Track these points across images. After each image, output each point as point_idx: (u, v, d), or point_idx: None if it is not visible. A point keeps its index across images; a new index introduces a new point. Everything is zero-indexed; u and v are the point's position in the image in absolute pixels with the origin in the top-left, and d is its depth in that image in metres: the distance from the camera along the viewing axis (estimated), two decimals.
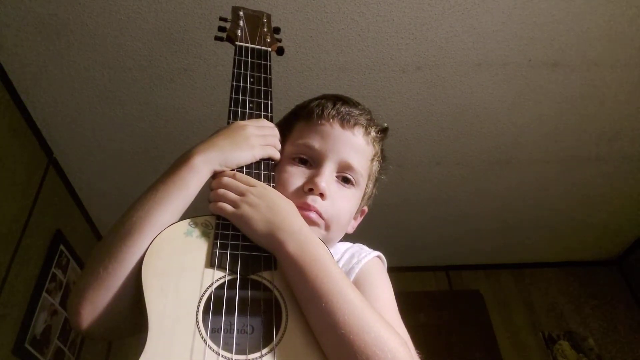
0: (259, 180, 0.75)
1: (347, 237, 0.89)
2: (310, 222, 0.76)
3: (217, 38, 0.96)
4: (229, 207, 0.69)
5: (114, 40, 1.77)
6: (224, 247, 0.66)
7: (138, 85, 1.93)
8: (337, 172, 0.82)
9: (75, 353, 2.37)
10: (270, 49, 0.94)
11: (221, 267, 0.64)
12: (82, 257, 2.45)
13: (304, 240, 0.67)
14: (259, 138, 0.78)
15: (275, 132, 0.82)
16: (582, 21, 1.81)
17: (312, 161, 0.82)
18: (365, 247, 0.87)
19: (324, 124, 0.83)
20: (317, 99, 0.89)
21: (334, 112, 0.84)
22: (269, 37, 0.96)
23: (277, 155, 0.81)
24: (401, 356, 0.59)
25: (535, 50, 1.90)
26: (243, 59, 0.90)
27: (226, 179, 0.73)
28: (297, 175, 0.80)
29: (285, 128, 0.88)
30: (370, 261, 0.81)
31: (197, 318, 0.59)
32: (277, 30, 1.00)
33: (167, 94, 1.97)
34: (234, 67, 0.88)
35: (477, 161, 2.38)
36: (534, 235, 2.92)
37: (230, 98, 0.84)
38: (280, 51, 0.99)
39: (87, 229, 2.58)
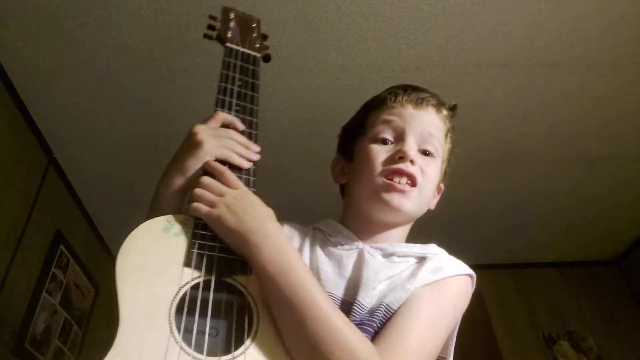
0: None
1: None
2: (400, 191, 0.81)
3: (206, 36, 0.94)
4: (204, 208, 0.68)
5: (114, 40, 1.77)
6: (201, 247, 0.65)
7: (138, 85, 1.93)
8: (418, 147, 0.86)
9: (75, 353, 2.37)
10: (259, 55, 0.93)
11: (197, 267, 0.63)
12: (82, 257, 2.44)
13: (278, 246, 0.66)
14: (214, 140, 0.77)
15: (235, 134, 0.78)
16: (582, 21, 1.81)
17: (394, 138, 0.86)
18: (451, 260, 0.84)
19: (398, 107, 0.89)
20: (386, 90, 0.94)
21: (406, 97, 0.89)
22: (258, 42, 0.95)
23: (234, 159, 0.75)
24: None
25: (535, 50, 1.89)
26: (232, 60, 0.88)
27: (206, 179, 0.71)
28: (382, 151, 0.85)
29: (358, 123, 0.93)
30: (450, 280, 0.79)
31: (169, 316, 0.58)
32: (265, 36, 0.99)
33: (167, 94, 1.97)
34: (222, 68, 0.87)
35: (477, 161, 2.38)
36: (534, 235, 2.91)
37: (217, 99, 0.83)
38: (267, 58, 0.97)
39: (87, 229, 2.58)
